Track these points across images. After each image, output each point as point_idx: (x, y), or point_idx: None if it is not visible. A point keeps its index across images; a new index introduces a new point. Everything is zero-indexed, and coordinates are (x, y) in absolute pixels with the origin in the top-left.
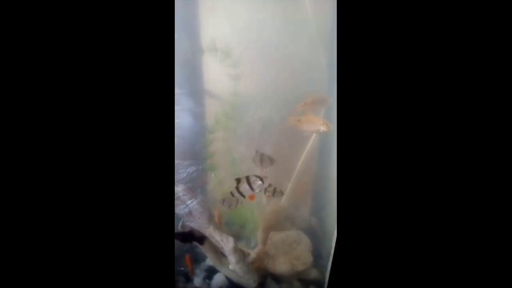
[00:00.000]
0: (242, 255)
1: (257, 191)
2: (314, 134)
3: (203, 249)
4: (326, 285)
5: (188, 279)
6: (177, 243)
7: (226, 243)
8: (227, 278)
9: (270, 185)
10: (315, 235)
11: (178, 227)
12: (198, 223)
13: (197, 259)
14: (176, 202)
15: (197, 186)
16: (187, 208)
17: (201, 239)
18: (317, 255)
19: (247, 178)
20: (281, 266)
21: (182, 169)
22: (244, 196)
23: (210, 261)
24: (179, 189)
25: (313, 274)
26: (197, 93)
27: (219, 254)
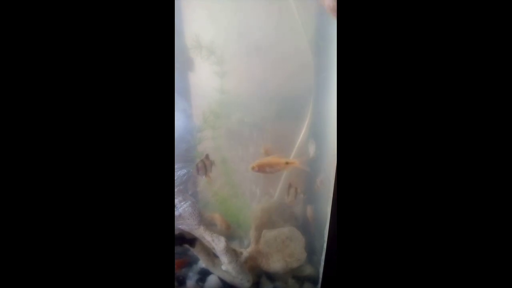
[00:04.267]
0: (234, 255)
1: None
2: (304, 128)
3: (195, 251)
4: (320, 280)
5: (181, 282)
6: None
7: (218, 243)
8: (220, 279)
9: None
10: (308, 231)
11: None
12: (188, 225)
13: (189, 262)
14: None
15: (188, 189)
16: (177, 211)
17: (192, 241)
18: (311, 251)
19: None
20: (275, 264)
21: None
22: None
23: (202, 263)
24: None
25: (308, 270)
26: (184, 93)
27: (211, 255)
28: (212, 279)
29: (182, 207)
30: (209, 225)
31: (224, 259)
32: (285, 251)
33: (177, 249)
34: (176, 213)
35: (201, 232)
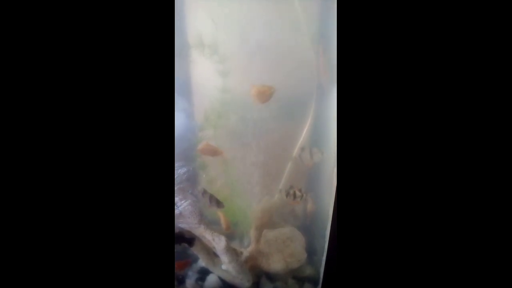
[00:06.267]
0: (234, 255)
1: None
2: (306, 128)
3: (195, 249)
4: (321, 281)
5: (180, 281)
6: None
7: (218, 243)
8: (220, 278)
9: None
10: (308, 231)
11: None
12: (188, 224)
13: (191, 263)
14: None
15: (188, 187)
16: (178, 209)
17: (191, 240)
18: (311, 252)
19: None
20: (275, 264)
21: None
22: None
23: (202, 262)
24: None
25: (308, 271)
26: (186, 91)
27: (211, 254)
28: (212, 279)
29: (182, 205)
30: (212, 222)
31: (224, 258)
32: (285, 251)
33: (176, 248)
34: (177, 211)
35: (201, 231)
